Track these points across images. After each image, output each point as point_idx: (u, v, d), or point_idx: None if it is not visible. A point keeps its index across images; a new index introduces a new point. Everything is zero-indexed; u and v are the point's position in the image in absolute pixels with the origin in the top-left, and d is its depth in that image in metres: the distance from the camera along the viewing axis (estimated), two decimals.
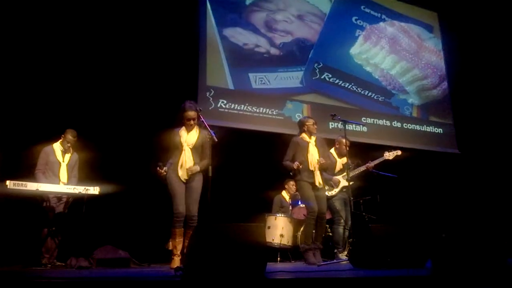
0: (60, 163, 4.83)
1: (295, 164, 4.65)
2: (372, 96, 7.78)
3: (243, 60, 6.85)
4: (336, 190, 5.43)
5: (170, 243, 4.09)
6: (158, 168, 4.02)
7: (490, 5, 8.64)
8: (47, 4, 5.66)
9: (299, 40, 7.38)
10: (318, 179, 4.73)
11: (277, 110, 6.84)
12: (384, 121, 7.74)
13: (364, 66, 7.88)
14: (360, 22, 8.11)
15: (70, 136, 4.88)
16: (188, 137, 4.16)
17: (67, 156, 4.90)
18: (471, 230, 2.74)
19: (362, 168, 5.51)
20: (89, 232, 4.55)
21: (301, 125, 4.97)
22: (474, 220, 7.56)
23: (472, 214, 7.67)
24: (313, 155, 4.76)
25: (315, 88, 7.28)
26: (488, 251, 2.61)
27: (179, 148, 4.13)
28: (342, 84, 7.54)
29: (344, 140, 5.29)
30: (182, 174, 4.09)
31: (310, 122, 4.94)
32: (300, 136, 4.90)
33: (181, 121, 4.20)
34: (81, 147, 5.10)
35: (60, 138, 4.90)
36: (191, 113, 4.16)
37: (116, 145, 5.70)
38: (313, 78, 7.31)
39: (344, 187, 5.42)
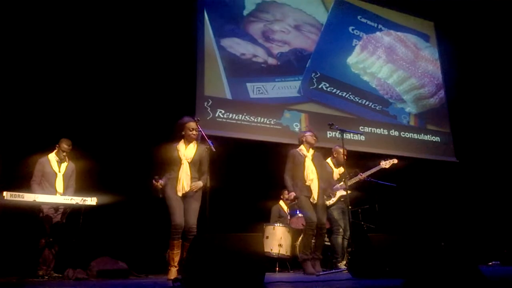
0: (56, 173, 4.81)
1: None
2: (370, 105, 7.81)
3: (241, 70, 6.88)
4: (334, 199, 5.42)
5: (168, 253, 4.06)
6: (154, 181, 3.99)
7: (486, 14, 8.71)
8: (40, 14, 5.67)
9: (296, 50, 7.43)
10: (315, 194, 4.71)
11: (274, 120, 6.85)
12: (382, 130, 7.76)
13: (361, 75, 7.92)
14: (356, 32, 8.17)
15: (64, 145, 4.88)
16: (187, 152, 4.14)
17: (63, 166, 4.89)
18: (443, 237, 2.76)
19: (359, 177, 5.51)
20: (86, 243, 4.52)
21: (300, 138, 5.01)
22: (469, 227, 7.56)
23: (470, 221, 7.67)
24: (309, 170, 4.76)
25: (313, 97, 7.31)
26: (460, 258, 2.62)
27: (177, 162, 4.09)
28: (340, 93, 7.57)
29: (341, 150, 5.29)
30: (180, 189, 4.03)
31: (307, 134, 4.97)
32: (298, 149, 4.90)
33: (180, 134, 4.18)
34: (78, 157, 5.09)
35: (55, 149, 4.90)
36: (193, 124, 4.19)
37: (113, 156, 5.68)
38: (311, 87, 7.34)
39: (342, 196, 5.41)
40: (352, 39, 8.08)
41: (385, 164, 5.61)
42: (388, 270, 3.39)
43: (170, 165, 4.11)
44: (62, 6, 5.78)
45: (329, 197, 5.37)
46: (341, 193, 5.39)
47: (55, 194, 4.68)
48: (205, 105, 6.41)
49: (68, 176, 4.90)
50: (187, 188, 4.05)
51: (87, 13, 5.96)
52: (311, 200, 4.70)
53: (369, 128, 7.62)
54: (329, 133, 7.03)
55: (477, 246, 7.14)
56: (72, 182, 4.95)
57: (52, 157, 4.87)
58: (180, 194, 4.04)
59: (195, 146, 4.20)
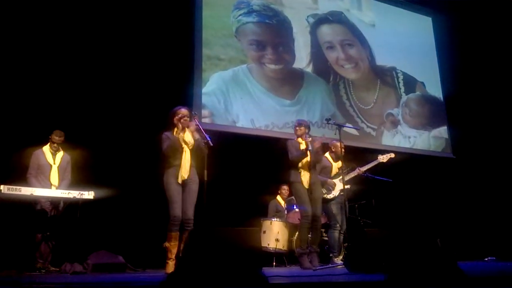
0: (50, 165, 4.81)
1: (302, 150, 4.70)
2: None
3: None
4: (335, 193, 5.40)
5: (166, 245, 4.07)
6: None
7: (484, 11, 8.71)
8: (32, 6, 5.62)
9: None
10: (307, 179, 4.73)
11: None
12: (378, 125, 7.76)
13: None
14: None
15: (55, 136, 4.88)
16: (186, 139, 4.17)
17: (58, 157, 4.88)
18: (423, 233, 2.78)
19: (357, 172, 5.51)
20: (83, 237, 4.52)
21: (294, 130, 5.02)
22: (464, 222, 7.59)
23: (466, 217, 7.71)
24: (305, 160, 4.76)
25: None
26: (438, 254, 2.64)
27: (178, 149, 4.12)
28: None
29: (338, 144, 5.31)
30: (181, 176, 4.08)
31: (297, 126, 4.96)
32: (295, 140, 4.93)
33: (172, 123, 4.19)
34: (75, 150, 5.09)
35: (49, 141, 4.90)
36: (184, 110, 4.21)
37: (110, 149, 5.67)
38: None
39: (341, 190, 5.40)
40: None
41: (383, 158, 5.64)
42: (384, 265, 3.40)
43: (172, 152, 4.12)
44: None
45: (329, 191, 5.38)
46: (340, 186, 5.38)
47: (50, 187, 4.68)
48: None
49: (63, 168, 4.89)
50: (185, 176, 4.08)
51: (79, 3, 5.90)
52: (306, 185, 4.73)
53: (366, 123, 7.63)
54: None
55: (474, 242, 7.19)
56: (68, 174, 4.94)
57: (47, 149, 4.87)
58: (180, 181, 4.07)
59: (191, 133, 4.22)
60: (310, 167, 4.78)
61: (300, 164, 4.76)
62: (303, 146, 4.79)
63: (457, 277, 2.48)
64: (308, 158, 4.75)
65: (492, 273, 3.23)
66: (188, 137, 4.18)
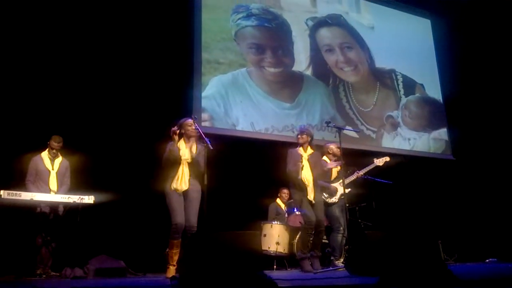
0: (49, 171, 4.80)
1: (298, 166, 4.68)
2: None
3: None
4: (336, 197, 5.39)
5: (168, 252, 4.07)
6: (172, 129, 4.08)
7: (483, 13, 8.73)
8: (31, 12, 5.62)
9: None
10: (311, 194, 4.72)
11: None
12: (378, 127, 7.76)
13: None
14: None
15: (53, 142, 4.87)
16: (186, 151, 4.16)
17: (57, 163, 4.87)
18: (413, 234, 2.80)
19: (355, 175, 5.51)
20: (84, 241, 4.52)
21: (296, 138, 5.01)
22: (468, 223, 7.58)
23: (466, 219, 7.70)
24: (305, 170, 4.75)
25: None
26: (427, 254, 2.65)
27: (177, 161, 4.13)
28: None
29: (333, 146, 5.33)
30: (179, 187, 4.08)
31: (299, 134, 4.96)
32: (296, 148, 4.92)
33: (179, 133, 4.19)
34: (75, 155, 5.08)
35: (47, 147, 4.90)
36: (190, 120, 4.24)
37: (110, 154, 5.67)
38: None
39: (342, 194, 5.40)
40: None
41: (379, 161, 5.62)
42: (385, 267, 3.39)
43: (171, 163, 4.13)
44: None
45: (331, 196, 5.36)
46: (341, 190, 5.38)
47: (49, 192, 4.68)
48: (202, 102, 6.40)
49: (62, 174, 4.89)
50: (184, 188, 4.07)
51: (78, 8, 5.91)
52: (308, 199, 4.71)
53: (365, 126, 7.63)
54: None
55: (474, 244, 7.18)
56: (67, 179, 4.93)
57: (45, 155, 4.87)
58: (179, 192, 4.07)
59: (195, 144, 4.22)
60: (312, 181, 4.77)
61: (301, 180, 4.72)
62: (304, 158, 4.78)
63: (448, 279, 2.49)
64: (309, 172, 4.75)
65: (493, 275, 3.22)
66: (189, 150, 4.18)
